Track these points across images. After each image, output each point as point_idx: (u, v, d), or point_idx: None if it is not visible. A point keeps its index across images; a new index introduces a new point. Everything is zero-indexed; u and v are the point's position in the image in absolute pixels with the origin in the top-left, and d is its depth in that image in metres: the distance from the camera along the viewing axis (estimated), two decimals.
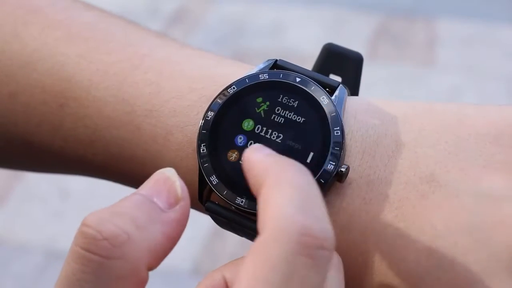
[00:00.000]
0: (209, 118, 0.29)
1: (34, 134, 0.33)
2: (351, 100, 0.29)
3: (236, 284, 0.20)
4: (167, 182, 0.25)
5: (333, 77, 0.31)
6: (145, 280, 0.23)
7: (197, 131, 0.29)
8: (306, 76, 0.29)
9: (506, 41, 1.84)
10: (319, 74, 0.29)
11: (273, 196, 0.22)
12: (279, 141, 0.28)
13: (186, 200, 0.25)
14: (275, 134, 0.28)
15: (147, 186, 0.25)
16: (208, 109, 0.29)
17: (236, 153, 0.28)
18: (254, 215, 0.28)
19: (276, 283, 0.20)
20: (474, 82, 1.72)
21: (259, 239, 0.21)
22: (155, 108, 0.30)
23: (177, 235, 0.24)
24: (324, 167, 0.27)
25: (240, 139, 0.28)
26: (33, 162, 0.37)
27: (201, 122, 0.29)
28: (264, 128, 0.28)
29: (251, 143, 0.28)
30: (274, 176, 0.22)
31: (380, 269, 0.26)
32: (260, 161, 0.23)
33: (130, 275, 0.22)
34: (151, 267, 0.23)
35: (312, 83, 0.29)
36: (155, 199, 0.24)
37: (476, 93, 1.67)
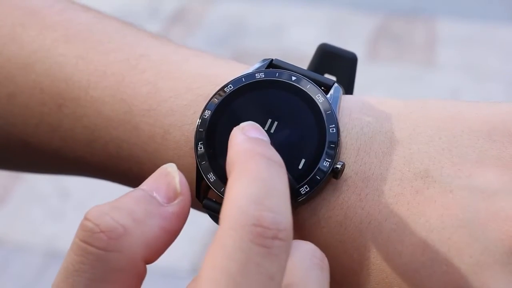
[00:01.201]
0: (206, 117, 0.29)
1: (33, 135, 0.33)
2: (346, 99, 0.30)
3: (199, 273, 0.21)
4: (167, 177, 0.25)
5: (328, 76, 0.32)
6: (142, 273, 0.23)
7: (195, 130, 0.29)
8: (302, 75, 0.29)
9: (506, 41, 1.85)
10: (315, 73, 0.30)
11: (233, 186, 0.22)
12: (275, 139, 0.28)
13: (186, 195, 0.25)
14: (271, 132, 0.28)
15: (148, 181, 0.25)
16: (205, 108, 0.29)
17: None
18: None
19: (232, 270, 0.20)
20: (474, 82, 1.72)
21: (218, 230, 0.21)
22: (153, 107, 0.31)
23: (175, 230, 0.24)
24: (320, 164, 0.27)
25: None
26: (31, 163, 0.37)
27: (198, 121, 0.29)
28: (261, 126, 0.28)
29: None
30: (240, 165, 0.23)
31: (376, 264, 0.27)
32: (237, 145, 0.24)
33: (126, 267, 0.23)
34: (149, 261, 0.24)
35: (307, 81, 0.29)
36: (154, 194, 0.25)
37: (475, 93, 1.67)
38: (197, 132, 0.29)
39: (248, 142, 0.24)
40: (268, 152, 0.23)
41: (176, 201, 0.25)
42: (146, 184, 0.25)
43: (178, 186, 0.25)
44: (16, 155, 0.36)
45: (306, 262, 0.23)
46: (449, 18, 1.94)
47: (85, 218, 0.23)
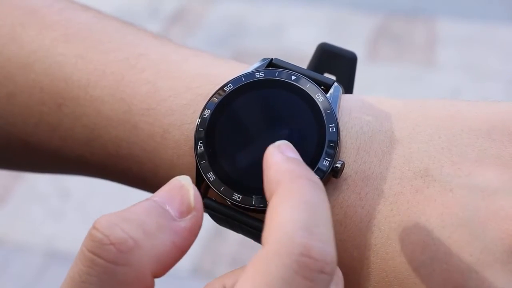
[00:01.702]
0: (205, 116, 0.29)
1: (33, 134, 0.33)
2: (345, 98, 0.30)
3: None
4: (181, 190, 0.24)
5: (327, 76, 0.32)
6: (150, 287, 0.23)
7: (194, 129, 0.29)
8: (301, 74, 0.29)
9: (506, 41, 1.85)
10: (314, 72, 0.30)
11: (280, 208, 0.21)
12: (276, 138, 0.28)
13: (199, 211, 0.24)
14: (270, 131, 0.28)
15: (161, 192, 0.24)
16: (205, 108, 0.29)
17: (234, 147, 0.28)
18: (251, 210, 0.28)
19: None
20: (474, 82, 1.72)
21: (261, 251, 0.21)
22: (152, 107, 0.31)
23: (186, 245, 0.24)
24: (319, 163, 0.27)
25: (236, 137, 0.29)
26: (31, 162, 0.37)
27: (197, 120, 0.29)
28: (260, 125, 0.28)
29: (250, 136, 0.28)
30: (286, 186, 0.22)
31: (376, 263, 0.27)
32: (277, 164, 0.23)
33: (134, 281, 0.22)
34: (157, 275, 0.23)
35: (307, 81, 0.29)
36: (167, 207, 0.24)
37: (475, 93, 1.67)
38: (197, 131, 0.29)
39: (288, 162, 0.23)
40: (310, 174, 0.23)
41: (189, 216, 0.24)
42: (158, 196, 0.24)
43: (192, 200, 0.24)
44: (16, 155, 0.36)
45: None
46: (449, 18, 1.94)
47: (94, 228, 0.22)
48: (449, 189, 0.26)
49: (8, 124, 0.34)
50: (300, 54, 1.71)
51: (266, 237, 0.21)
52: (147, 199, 0.24)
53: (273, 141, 0.28)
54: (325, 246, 0.20)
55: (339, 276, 0.23)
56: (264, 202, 0.27)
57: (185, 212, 0.24)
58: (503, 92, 1.67)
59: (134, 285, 0.22)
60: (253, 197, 0.28)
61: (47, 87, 0.32)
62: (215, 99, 0.29)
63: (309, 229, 0.21)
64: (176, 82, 0.31)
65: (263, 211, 0.28)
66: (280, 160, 0.23)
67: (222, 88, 0.29)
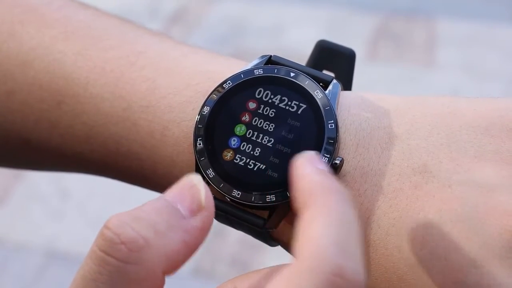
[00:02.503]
0: (205, 113, 0.29)
1: (32, 132, 0.33)
2: (344, 95, 0.30)
3: None
4: (192, 189, 0.24)
5: (326, 72, 0.32)
6: (161, 285, 0.23)
7: (193, 126, 0.29)
8: (300, 71, 0.29)
9: (506, 41, 1.85)
10: (313, 69, 0.30)
11: (314, 224, 0.21)
12: (274, 134, 0.28)
13: (210, 209, 0.24)
14: (270, 127, 0.28)
15: (172, 191, 0.24)
16: (204, 105, 0.29)
17: (233, 144, 0.28)
18: (250, 207, 0.28)
19: None
20: (474, 82, 1.72)
21: (293, 266, 0.21)
22: (152, 104, 0.31)
23: (196, 244, 0.24)
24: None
25: (235, 134, 0.29)
26: (31, 160, 0.37)
27: (197, 117, 0.29)
28: (260, 122, 0.29)
29: (249, 132, 0.28)
30: (321, 200, 0.22)
31: (375, 259, 0.27)
32: (309, 176, 0.23)
33: (145, 280, 0.22)
34: (168, 273, 0.23)
35: (306, 77, 0.29)
36: (178, 206, 0.24)
37: (475, 93, 1.67)
38: (196, 128, 0.29)
39: (321, 175, 0.23)
40: (342, 189, 0.23)
41: (199, 215, 0.24)
42: (169, 194, 0.24)
43: (203, 199, 0.24)
44: (15, 152, 0.36)
45: None
46: (449, 18, 1.94)
47: (105, 227, 0.22)
48: (448, 185, 0.26)
49: (7, 121, 0.34)
50: (300, 54, 1.71)
51: (299, 250, 0.21)
52: (158, 198, 0.24)
53: (273, 138, 0.28)
54: (357, 267, 0.20)
55: None
56: (263, 198, 0.28)
57: (195, 210, 0.24)
58: (503, 92, 1.67)
59: (145, 283, 0.22)
60: (253, 193, 0.28)
61: (47, 84, 0.32)
62: (214, 96, 0.29)
63: (343, 248, 0.21)
64: (176, 79, 0.31)
65: (262, 208, 0.28)
66: (312, 172, 0.23)
67: (221, 85, 0.29)
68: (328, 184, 0.23)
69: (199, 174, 0.25)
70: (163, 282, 0.23)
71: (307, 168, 0.23)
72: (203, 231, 0.24)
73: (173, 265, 0.23)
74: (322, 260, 0.20)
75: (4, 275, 1.28)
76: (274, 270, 0.25)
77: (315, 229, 0.21)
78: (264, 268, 0.26)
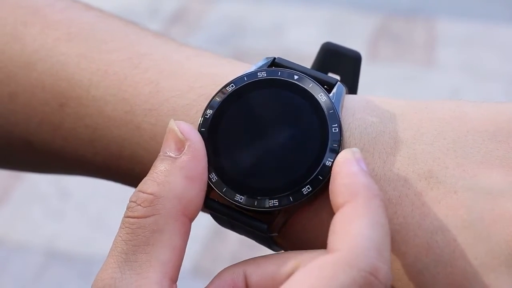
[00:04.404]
0: (208, 117, 0.29)
1: (35, 134, 0.33)
2: (349, 98, 0.30)
3: (290, 282, 0.22)
4: (170, 133, 0.27)
5: (331, 75, 0.32)
6: (185, 229, 0.26)
7: (196, 129, 0.29)
8: (304, 74, 0.29)
9: (506, 41, 1.84)
10: (317, 72, 0.30)
11: (355, 221, 0.23)
12: (278, 138, 0.28)
13: (193, 138, 0.27)
14: (274, 131, 0.28)
15: (162, 145, 0.27)
16: (207, 108, 0.29)
17: (236, 148, 0.28)
18: (252, 211, 0.28)
19: None
20: (474, 82, 1.72)
21: (330, 256, 0.22)
22: (155, 107, 0.31)
23: (198, 173, 0.27)
24: (322, 164, 0.27)
25: (238, 137, 0.28)
26: (33, 162, 0.37)
27: (200, 120, 0.29)
28: (263, 125, 0.28)
29: (253, 136, 0.28)
30: (365, 202, 0.24)
31: None
32: (355, 175, 0.25)
33: (166, 225, 0.26)
34: (190, 214, 0.26)
35: (310, 80, 0.29)
36: (168, 153, 0.27)
37: (475, 93, 1.67)
38: (199, 131, 0.29)
39: (366, 177, 0.25)
40: (382, 195, 0.25)
41: (185, 148, 0.27)
42: (161, 150, 0.27)
43: (179, 135, 0.27)
44: (18, 155, 0.36)
45: None
46: (449, 18, 1.94)
47: (129, 201, 0.27)
48: (454, 191, 0.26)
49: (10, 123, 0.34)
50: (300, 54, 1.71)
51: (336, 243, 0.23)
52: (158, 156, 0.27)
53: (276, 142, 0.28)
54: (389, 270, 0.22)
55: None
56: (266, 203, 0.27)
57: (181, 147, 0.27)
58: (503, 92, 1.67)
59: (167, 229, 0.26)
60: (256, 198, 0.27)
61: (50, 86, 0.32)
62: (218, 99, 0.29)
63: (380, 250, 0.22)
64: (179, 82, 0.31)
65: (265, 212, 0.28)
66: (358, 172, 0.25)
67: (224, 87, 0.29)
68: (372, 187, 0.25)
69: (172, 119, 0.28)
70: (187, 226, 0.26)
71: (354, 167, 0.25)
72: (197, 158, 0.27)
73: (189, 204, 0.26)
74: (362, 258, 0.22)
75: (4, 275, 1.28)
76: (287, 258, 0.26)
77: (357, 227, 0.23)
78: (273, 254, 0.27)
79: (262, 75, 0.29)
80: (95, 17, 0.34)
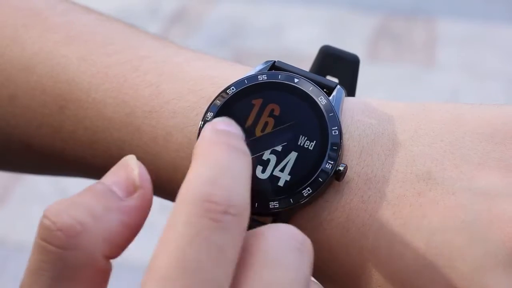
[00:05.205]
0: (208, 119, 0.29)
1: (35, 137, 0.33)
2: (348, 101, 0.30)
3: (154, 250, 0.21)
4: (127, 169, 0.25)
5: (330, 78, 0.32)
6: (106, 270, 0.23)
7: (197, 131, 0.29)
8: (304, 77, 0.29)
9: (506, 41, 1.85)
10: (317, 75, 0.30)
11: (190, 169, 0.22)
12: (278, 140, 0.28)
13: (146, 188, 0.24)
14: (274, 133, 0.28)
15: (108, 174, 0.25)
16: (208, 110, 0.29)
17: None
18: (253, 213, 0.28)
19: (181, 244, 0.20)
20: (474, 82, 1.72)
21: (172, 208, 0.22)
22: (155, 109, 0.31)
23: (136, 224, 0.24)
24: (322, 166, 0.27)
25: None
26: (33, 164, 0.37)
27: (200, 123, 0.29)
28: (263, 128, 0.28)
29: (253, 139, 0.28)
30: (199, 151, 0.23)
31: (378, 266, 0.27)
32: (202, 137, 0.24)
33: (86, 264, 0.22)
34: (111, 256, 0.23)
35: (310, 83, 0.29)
36: (114, 188, 0.24)
37: (475, 93, 1.67)
38: (200, 134, 0.29)
39: (213, 133, 0.23)
40: (232, 141, 0.23)
41: (136, 195, 0.24)
42: (105, 178, 0.24)
43: (137, 179, 0.24)
44: (18, 157, 0.36)
45: (283, 244, 0.22)
46: (449, 18, 1.94)
47: (44, 216, 0.23)
48: (452, 192, 0.26)
49: (10, 126, 0.34)
50: (300, 54, 1.71)
51: (177, 195, 0.22)
52: (95, 183, 0.24)
53: (276, 144, 0.28)
54: (228, 193, 0.21)
55: (305, 242, 0.23)
56: (267, 205, 0.27)
57: (131, 191, 0.24)
58: (503, 92, 1.68)
59: (87, 268, 0.22)
60: (256, 200, 0.28)
61: (49, 89, 0.32)
62: (218, 102, 0.29)
63: (213, 181, 0.21)
64: (179, 84, 0.31)
65: (266, 214, 0.28)
66: (207, 133, 0.24)
67: (225, 90, 0.29)
68: (216, 139, 0.23)
69: (133, 155, 0.25)
70: (108, 266, 0.23)
71: (205, 130, 0.24)
72: (142, 210, 0.24)
73: (115, 248, 0.23)
74: (192, 193, 0.21)
75: (4, 275, 1.28)
76: None
77: (189, 174, 0.22)
78: None
79: (263, 78, 0.29)
80: (95, 20, 0.34)
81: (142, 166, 0.25)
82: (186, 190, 0.21)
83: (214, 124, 0.24)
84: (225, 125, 0.24)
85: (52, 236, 0.22)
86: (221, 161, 0.22)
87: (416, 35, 1.89)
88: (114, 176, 0.24)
